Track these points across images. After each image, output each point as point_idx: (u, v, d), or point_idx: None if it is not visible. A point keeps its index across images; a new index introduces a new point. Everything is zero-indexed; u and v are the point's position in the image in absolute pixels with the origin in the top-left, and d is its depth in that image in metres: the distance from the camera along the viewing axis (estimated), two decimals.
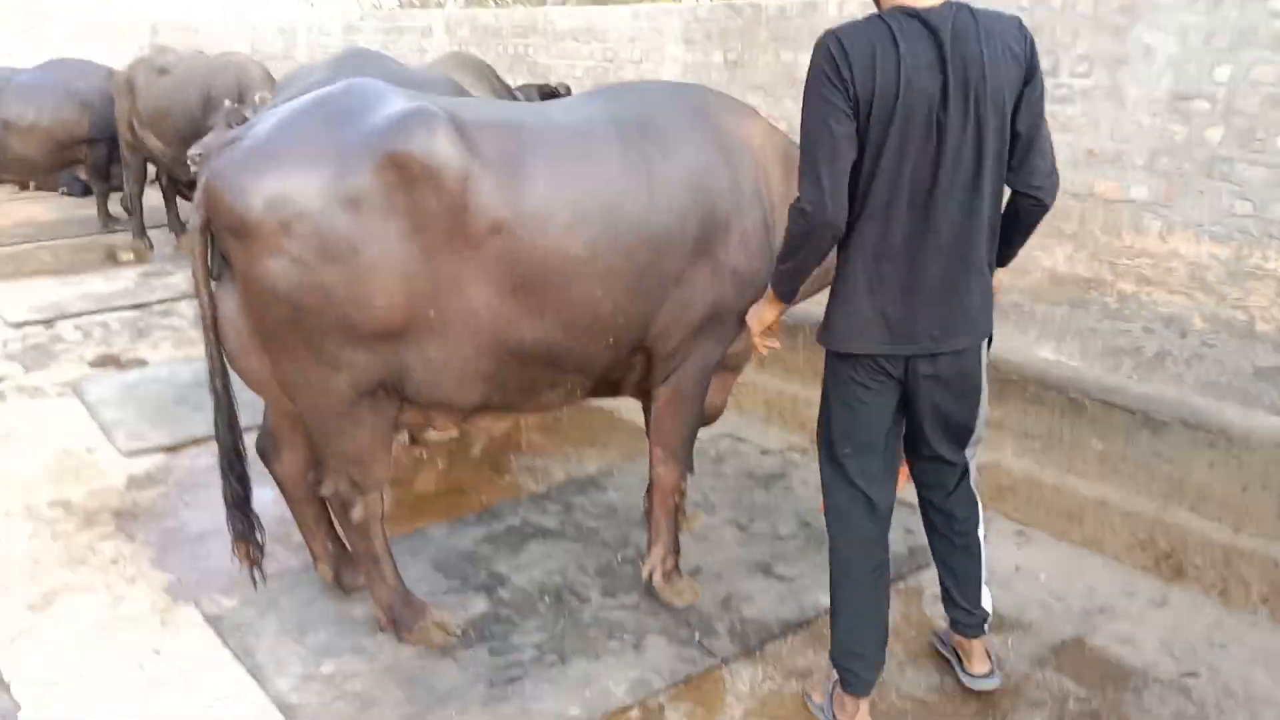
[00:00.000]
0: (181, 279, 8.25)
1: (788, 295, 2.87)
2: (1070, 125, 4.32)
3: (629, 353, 3.41)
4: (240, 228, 2.89)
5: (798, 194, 2.62)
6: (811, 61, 2.56)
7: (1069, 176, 3.99)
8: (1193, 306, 4.07)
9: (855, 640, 2.98)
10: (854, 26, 2.55)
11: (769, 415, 5.40)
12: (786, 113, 5.47)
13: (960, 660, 3.29)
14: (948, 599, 3.23)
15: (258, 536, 3.37)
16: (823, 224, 2.59)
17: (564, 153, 3.17)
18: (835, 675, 3.05)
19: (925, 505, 3.16)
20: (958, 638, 3.27)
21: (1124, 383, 4.09)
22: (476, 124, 3.09)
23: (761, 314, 2.96)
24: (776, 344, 3.03)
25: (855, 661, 2.97)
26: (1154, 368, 4.17)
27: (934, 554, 3.22)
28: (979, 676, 3.23)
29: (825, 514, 3.05)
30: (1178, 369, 4.12)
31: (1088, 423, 4.07)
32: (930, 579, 3.85)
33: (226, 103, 7.03)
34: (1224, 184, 3.90)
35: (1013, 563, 3.98)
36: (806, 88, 2.58)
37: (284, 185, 2.86)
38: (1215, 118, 3.90)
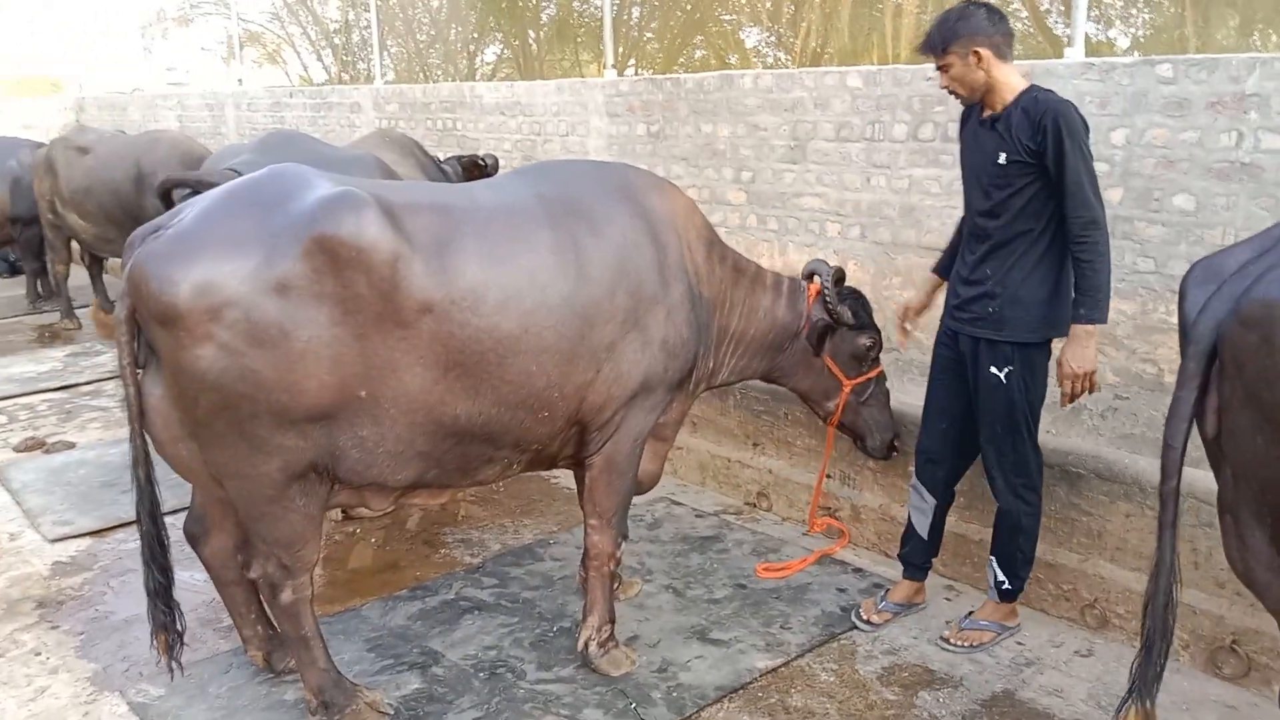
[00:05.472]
0: (110, 358, 8.13)
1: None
2: None
3: (564, 426, 3.48)
4: (167, 316, 2.89)
5: (1097, 218, 3.38)
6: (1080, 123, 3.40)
7: None
8: (1104, 361, 4.20)
9: None
10: None
11: (703, 479, 5.45)
12: (708, 181, 5.59)
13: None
14: None
15: (178, 626, 3.32)
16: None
17: (493, 232, 3.24)
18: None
19: None
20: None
21: (1041, 437, 4.19)
22: (404, 206, 3.14)
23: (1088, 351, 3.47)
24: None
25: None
26: (1071, 421, 4.30)
27: None
28: None
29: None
30: (1094, 422, 4.24)
31: None
32: (863, 639, 3.91)
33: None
34: (1126, 242, 4.07)
35: (943, 617, 4.04)
36: (1081, 143, 3.39)
37: (211, 272, 2.88)
38: (1114, 179, 4.08)
